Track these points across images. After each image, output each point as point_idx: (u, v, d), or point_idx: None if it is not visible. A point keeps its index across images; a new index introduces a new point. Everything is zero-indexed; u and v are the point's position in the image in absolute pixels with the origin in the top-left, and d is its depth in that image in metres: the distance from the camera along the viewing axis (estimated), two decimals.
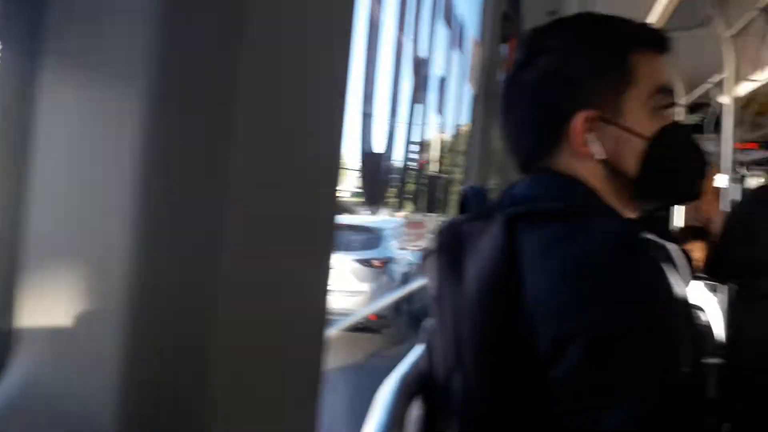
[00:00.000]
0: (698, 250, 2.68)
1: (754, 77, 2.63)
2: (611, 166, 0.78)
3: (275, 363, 0.39)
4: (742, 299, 1.97)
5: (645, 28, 0.81)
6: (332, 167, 0.46)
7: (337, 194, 0.47)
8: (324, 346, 0.44)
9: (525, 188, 0.82)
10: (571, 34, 0.80)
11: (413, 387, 0.93)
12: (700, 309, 2.49)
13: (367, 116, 1.14)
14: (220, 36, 0.34)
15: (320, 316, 0.44)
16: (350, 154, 1.17)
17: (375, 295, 6.46)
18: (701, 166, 0.84)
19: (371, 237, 6.63)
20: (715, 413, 1.96)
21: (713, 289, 2.65)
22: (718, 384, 2.03)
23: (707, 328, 2.39)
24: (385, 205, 1.21)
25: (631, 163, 0.78)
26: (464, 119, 1.91)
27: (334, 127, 0.45)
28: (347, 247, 7.23)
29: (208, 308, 0.34)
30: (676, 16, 3.32)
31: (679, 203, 1.50)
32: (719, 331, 2.33)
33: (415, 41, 1.39)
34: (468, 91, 1.93)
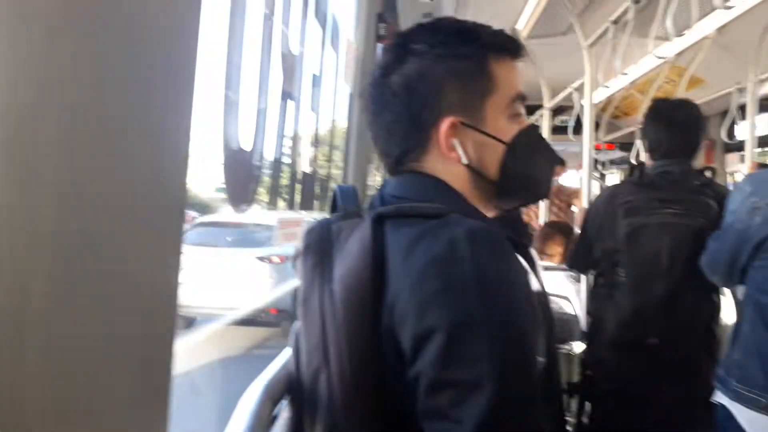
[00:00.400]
0: (560, 244, 2.87)
1: (608, 84, 2.85)
2: (475, 170, 0.81)
3: (106, 364, 0.36)
4: (601, 288, 2.12)
5: (503, 35, 0.85)
6: (179, 159, 0.43)
7: (186, 188, 0.44)
8: (171, 346, 0.41)
9: (393, 189, 0.85)
10: (436, 40, 0.81)
11: (280, 389, 0.92)
12: (566, 299, 2.66)
13: (231, 108, 1.09)
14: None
15: (168, 314, 0.42)
16: (212, 148, 1.11)
17: (275, 289, 6.49)
18: (552, 167, 0.90)
19: (272, 234, 6.66)
20: (577, 396, 2.10)
21: (577, 280, 2.83)
22: (581, 368, 2.18)
23: (572, 317, 2.56)
24: (253, 203, 1.17)
25: (492, 167, 0.82)
26: (340, 117, 1.91)
27: (180, 115, 0.43)
28: (249, 244, 7.17)
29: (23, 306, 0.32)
30: (542, 24, 3.55)
31: (533, 203, 1.60)
32: (582, 319, 2.49)
33: (285, 36, 1.36)
34: (343, 90, 1.93)
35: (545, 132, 4.30)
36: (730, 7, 1.63)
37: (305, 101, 1.56)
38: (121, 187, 0.37)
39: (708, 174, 1.98)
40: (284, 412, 0.92)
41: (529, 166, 0.85)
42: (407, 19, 3.17)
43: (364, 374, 0.71)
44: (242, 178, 1.17)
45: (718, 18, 3.22)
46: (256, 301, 6.46)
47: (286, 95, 1.38)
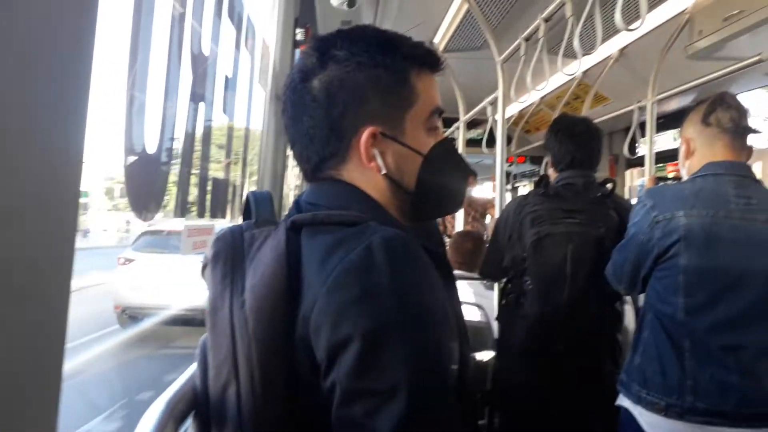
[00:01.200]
0: (472, 253, 2.92)
1: (521, 99, 2.94)
2: (393, 181, 0.81)
3: None
4: (509, 297, 2.17)
5: (423, 48, 0.84)
6: (72, 161, 0.41)
7: (78, 193, 0.42)
8: (60, 351, 0.41)
9: (310, 196, 0.82)
10: (358, 48, 0.79)
11: (184, 407, 0.87)
12: (480, 307, 2.69)
13: (136, 109, 1.02)
14: None
15: (57, 320, 0.40)
16: (113, 152, 1.03)
17: None
18: (466, 180, 0.90)
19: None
20: (488, 404, 2.13)
21: (491, 288, 2.89)
22: (492, 376, 2.22)
23: (485, 325, 2.60)
24: (159, 209, 1.09)
25: (410, 178, 0.82)
26: (255, 121, 1.85)
27: (73, 115, 0.41)
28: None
29: None
30: (458, 38, 3.64)
31: (448, 214, 1.63)
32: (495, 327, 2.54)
33: (197, 36, 1.29)
34: (258, 94, 1.87)
35: (460, 145, 4.39)
36: (631, 30, 1.71)
37: (218, 104, 1.49)
38: (11, 189, 0.36)
39: (608, 186, 2.07)
40: (190, 430, 0.87)
41: (444, 178, 0.86)
42: (325, 25, 3.16)
43: (276, 387, 0.68)
44: (146, 182, 1.09)
45: (621, 39, 3.44)
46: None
47: (197, 97, 1.31)
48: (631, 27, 1.72)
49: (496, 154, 3.18)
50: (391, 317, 0.64)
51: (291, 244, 0.71)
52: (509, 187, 6.31)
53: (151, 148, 1.10)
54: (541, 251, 1.97)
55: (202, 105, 1.35)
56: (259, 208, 0.82)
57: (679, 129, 2.02)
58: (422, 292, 0.68)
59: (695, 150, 1.66)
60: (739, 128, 1.60)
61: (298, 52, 2.15)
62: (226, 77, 1.55)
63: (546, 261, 1.96)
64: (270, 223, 0.79)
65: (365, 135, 0.78)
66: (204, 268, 0.82)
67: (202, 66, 1.32)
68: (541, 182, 2.12)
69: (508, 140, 5.48)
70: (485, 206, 4.85)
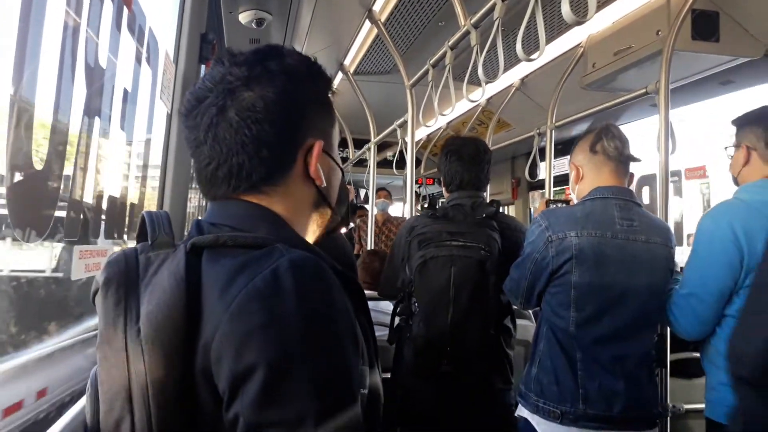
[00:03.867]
0: (378, 272, 2.94)
1: (429, 123, 3.02)
2: (322, 195, 0.81)
3: None
4: (401, 317, 2.18)
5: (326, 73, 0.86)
6: None
7: None
8: None
9: (213, 216, 0.78)
10: (291, 64, 0.78)
11: None
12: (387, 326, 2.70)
13: (21, 121, 0.95)
14: None
15: None
16: None
17: None
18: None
19: None
20: (396, 425, 2.14)
21: None
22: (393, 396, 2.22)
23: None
24: (47, 230, 1.01)
25: (334, 192, 0.84)
26: (156, 137, 1.78)
27: None
28: None
29: None
30: (368, 62, 3.70)
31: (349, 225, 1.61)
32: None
33: (92, 47, 1.24)
34: (160, 109, 1.81)
35: (371, 165, 4.44)
36: (531, 59, 1.81)
37: (115, 118, 1.43)
38: None
39: (493, 207, 2.09)
40: None
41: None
42: (233, 42, 3.11)
43: (174, 420, 0.64)
44: (33, 201, 1.01)
45: (522, 69, 3.62)
46: None
47: (92, 111, 1.25)
48: (531, 57, 1.81)
49: (406, 175, 3.24)
50: (298, 344, 0.61)
51: (191, 268, 0.67)
52: (419, 207, 6.44)
53: (39, 165, 1.03)
54: (426, 274, 1.99)
55: (97, 119, 1.28)
56: (156, 229, 0.75)
57: None
58: (330, 316, 0.66)
59: (584, 175, 1.78)
60: (622, 156, 1.73)
61: (203, 67, 2.11)
62: (125, 91, 1.49)
63: (431, 283, 1.98)
64: (168, 245, 0.74)
65: (316, 147, 0.77)
66: (95, 294, 0.77)
67: (98, 79, 1.26)
68: (430, 204, 2.17)
69: (417, 162, 5.62)
70: (399, 225, 4.92)
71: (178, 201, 1.82)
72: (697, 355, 1.71)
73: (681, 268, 1.76)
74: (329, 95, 0.84)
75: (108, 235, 1.40)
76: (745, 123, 1.67)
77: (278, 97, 0.75)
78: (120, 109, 1.46)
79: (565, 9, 1.50)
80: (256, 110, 0.74)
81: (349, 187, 0.95)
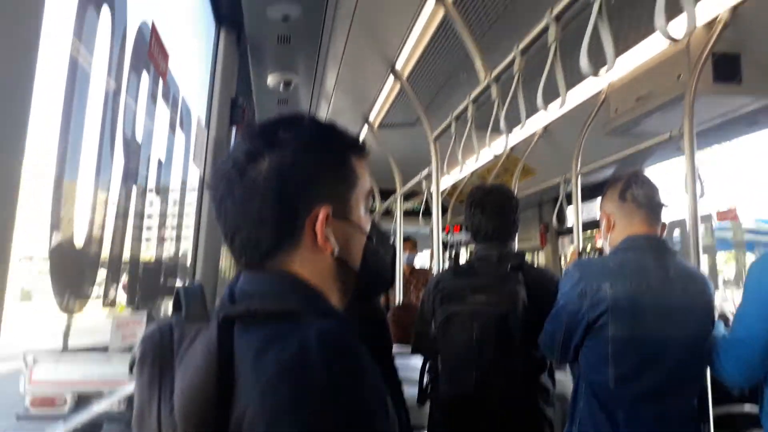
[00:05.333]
0: (409, 327, 2.91)
1: (453, 172, 3.05)
2: (341, 261, 0.80)
3: None
4: (429, 375, 2.13)
5: (354, 137, 0.87)
6: None
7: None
8: None
9: (245, 284, 0.79)
10: (303, 132, 0.80)
11: None
12: None
13: (59, 191, 0.99)
14: None
15: None
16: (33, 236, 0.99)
17: None
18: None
19: None
20: None
21: None
22: None
23: None
24: (88, 298, 1.04)
25: (356, 257, 0.82)
26: (189, 204, 1.82)
27: None
28: None
29: None
30: (393, 114, 3.77)
31: (387, 289, 1.56)
32: None
33: (130, 116, 1.29)
34: (193, 174, 1.86)
35: (398, 216, 4.47)
36: (551, 111, 1.83)
37: (150, 186, 1.48)
38: None
39: (518, 259, 2.05)
40: None
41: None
42: (262, 105, 3.21)
43: None
44: (73, 270, 1.05)
45: (545, 117, 3.65)
46: None
47: (129, 180, 1.29)
48: (552, 108, 1.83)
49: (432, 224, 3.25)
50: (328, 421, 0.62)
51: (223, 341, 0.67)
52: (447, 255, 6.41)
53: (80, 234, 1.07)
54: (449, 331, 1.94)
55: (133, 188, 1.33)
56: (190, 303, 0.77)
57: None
58: (359, 388, 0.65)
59: (615, 224, 1.76)
60: (653, 204, 1.71)
61: (234, 130, 2.17)
62: (159, 160, 1.54)
63: (453, 340, 1.93)
64: (201, 317, 0.75)
65: (321, 215, 0.77)
66: (131, 366, 0.78)
67: (134, 150, 1.31)
68: (455, 258, 2.14)
69: (444, 210, 5.60)
70: (426, 275, 4.89)
71: (210, 269, 1.84)
72: (742, 408, 1.64)
73: (718, 314, 1.72)
74: (354, 157, 0.83)
75: (143, 303, 1.43)
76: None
77: (282, 169, 0.76)
78: (155, 175, 1.51)
79: (583, 62, 1.52)
80: (258, 184, 0.76)
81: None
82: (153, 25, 1.38)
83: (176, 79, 1.69)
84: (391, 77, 3.03)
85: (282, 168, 0.77)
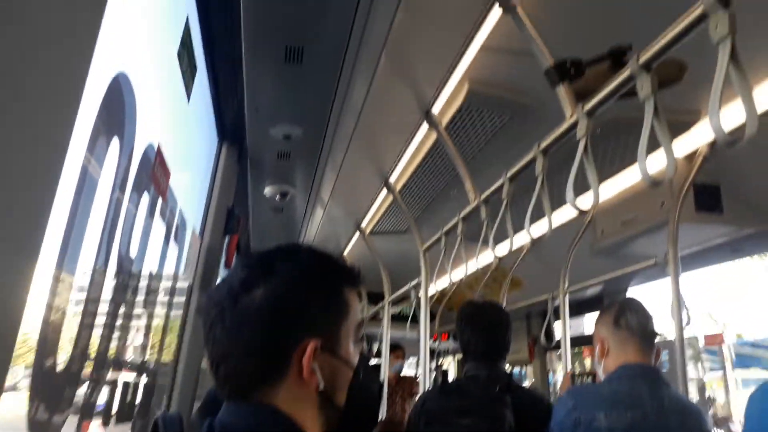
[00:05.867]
0: None
1: (442, 281, 3.07)
2: (326, 397, 0.79)
3: None
4: None
5: (350, 268, 0.88)
6: None
7: None
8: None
9: (226, 417, 0.78)
10: (299, 264, 0.81)
11: None
12: None
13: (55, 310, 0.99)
14: None
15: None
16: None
17: None
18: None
19: None
20: None
21: None
22: None
23: None
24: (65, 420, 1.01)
25: (342, 393, 0.81)
26: (173, 326, 1.81)
27: None
28: None
29: None
30: (384, 223, 3.84)
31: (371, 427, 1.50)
32: None
33: (125, 237, 1.31)
34: (182, 285, 1.86)
35: (385, 322, 4.43)
36: (537, 236, 1.88)
37: (139, 301, 1.47)
38: None
39: (507, 379, 1.99)
40: None
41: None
42: (258, 213, 3.27)
43: None
44: (52, 398, 1.03)
45: (533, 232, 3.71)
46: None
47: (118, 296, 1.30)
48: (540, 228, 1.88)
49: (420, 332, 3.22)
50: None
51: None
52: (433, 365, 6.29)
53: (62, 358, 1.05)
54: None
55: (123, 306, 1.33)
56: None
57: (591, 314, 2.13)
58: None
59: (609, 350, 1.76)
60: (646, 332, 1.72)
61: (227, 239, 2.20)
62: (149, 275, 1.55)
63: None
64: None
65: (309, 348, 0.76)
66: None
67: (128, 265, 1.33)
68: (443, 376, 2.10)
69: (432, 317, 5.56)
70: (412, 384, 4.77)
71: (188, 397, 1.79)
72: None
73: None
74: (347, 288, 0.84)
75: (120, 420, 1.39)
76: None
77: (275, 300, 0.77)
78: (145, 289, 1.51)
79: (569, 196, 1.57)
80: (250, 314, 0.76)
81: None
82: (158, 147, 1.44)
83: (175, 192, 1.73)
84: (385, 190, 3.12)
85: (275, 299, 0.77)
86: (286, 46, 1.61)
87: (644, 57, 1.22)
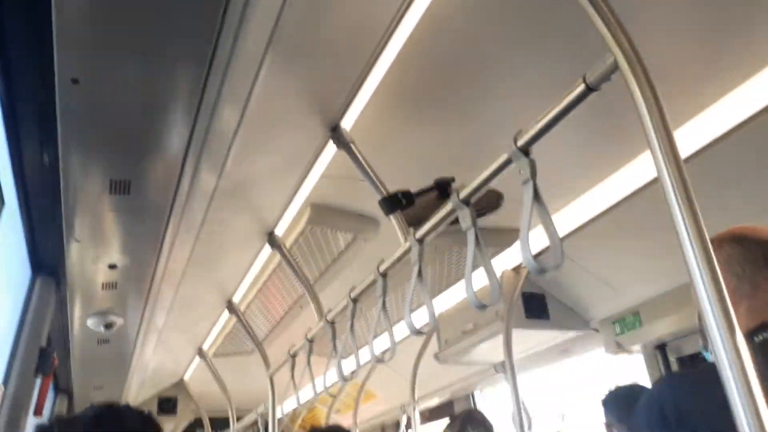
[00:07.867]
0: None
1: (290, 401, 2.95)
2: None
3: None
4: None
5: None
6: None
7: None
8: None
9: None
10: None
11: None
12: None
13: None
14: None
15: None
16: None
17: None
18: None
19: None
20: None
21: None
22: None
23: None
24: None
25: None
26: None
27: None
28: None
29: None
30: (228, 344, 3.64)
31: None
32: None
33: None
34: None
35: None
36: (383, 360, 1.88)
37: None
38: None
39: None
40: None
41: None
42: (81, 344, 2.94)
43: None
44: None
45: (381, 345, 3.73)
46: None
47: None
48: (381, 345, 1.89)
49: None
50: None
51: None
52: None
53: None
54: None
55: None
56: None
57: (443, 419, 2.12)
58: None
59: None
60: None
61: (39, 381, 1.94)
62: None
63: None
64: None
65: None
66: None
67: None
68: None
69: None
70: None
71: None
72: None
73: None
74: None
75: None
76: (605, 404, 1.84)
77: None
78: None
79: (408, 321, 1.61)
80: None
81: None
82: None
83: None
84: (227, 312, 2.99)
85: None
86: (111, 180, 1.53)
87: (463, 193, 1.31)
